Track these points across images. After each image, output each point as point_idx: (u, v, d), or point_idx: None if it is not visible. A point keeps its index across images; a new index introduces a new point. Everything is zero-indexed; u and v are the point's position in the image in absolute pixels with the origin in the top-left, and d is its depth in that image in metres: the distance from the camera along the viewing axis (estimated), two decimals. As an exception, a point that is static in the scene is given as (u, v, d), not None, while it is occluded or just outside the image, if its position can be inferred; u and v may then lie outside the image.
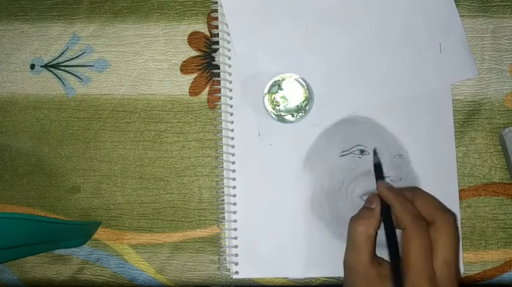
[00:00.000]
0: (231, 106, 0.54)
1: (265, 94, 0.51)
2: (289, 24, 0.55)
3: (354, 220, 0.45)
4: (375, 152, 0.51)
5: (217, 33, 0.55)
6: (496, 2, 0.54)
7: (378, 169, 0.49)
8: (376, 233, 0.45)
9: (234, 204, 0.53)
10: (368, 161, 0.52)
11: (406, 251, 0.42)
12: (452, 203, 0.52)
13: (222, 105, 0.54)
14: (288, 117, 0.51)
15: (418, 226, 0.42)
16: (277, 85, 0.51)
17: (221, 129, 0.54)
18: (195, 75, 0.56)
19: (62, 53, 0.57)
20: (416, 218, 0.43)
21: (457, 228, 0.43)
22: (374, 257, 0.44)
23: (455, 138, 0.53)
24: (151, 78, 0.56)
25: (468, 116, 0.53)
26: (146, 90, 0.56)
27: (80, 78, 0.56)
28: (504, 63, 0.54)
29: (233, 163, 0.53)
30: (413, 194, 0.46)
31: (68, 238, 0.53)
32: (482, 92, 0.54)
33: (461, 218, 0.52)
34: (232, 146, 0.54)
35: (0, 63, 0.57)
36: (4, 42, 0.57)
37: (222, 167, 0.54)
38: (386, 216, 0.45)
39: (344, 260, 0.46)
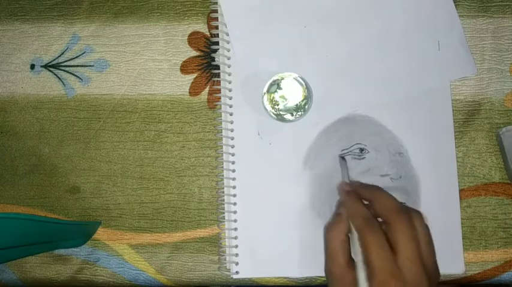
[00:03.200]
0: (231, 106, 0.54)
1: (264, 93, 0.51)
2: (287, 24, 0.55)
3: (326, 227, 0.46)
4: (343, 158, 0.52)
5: (217, 34, 0.55)
6: (496, 2, 0.54)
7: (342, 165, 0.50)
8: (348, 237, 0.45)
9: (234, 204, 0.53)
10: (368, 160, 0.52)
11: (365, 252, 0.42)
12: (452, 203, 0.52)
13: (222, 105, 0.54)
14: (287, 116, 0.51)
15: (369, 227, 0.43)
16: (276, 84, 0.51)
17: (221, 130, 0.54)
18: (195, 75, 0.56)
19: (62, 53, 0.57)
20: (366, 220, 0.44)
21: (414, 226, 0.43)
22: (349, 261, 0.44)
23: (455, 138, 0.53)
24: (151, 78, 0.56)
25: (468, 116, 0.53)
26: (146, 90, 0.56)
27: (80, 78, 0.56)
28: (504, 63, 0.54)
29: (233, 163, 0.53)
30: (372, 194, 0.47)
31: (68, 238, 0.53)
32: (482, 92, 0.54)
33: (461, 218, 0.52)
34: (232, 146, 0.54)
35: (0, 63, 0.57)
36: (4, 42, 0.57)
37: (222, 167, 0.54)
38: None
39: (324, 269, 0.46)
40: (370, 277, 0.42)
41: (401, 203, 0.46)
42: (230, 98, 0.54)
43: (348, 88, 0.54)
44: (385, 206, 0.45)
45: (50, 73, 0.57)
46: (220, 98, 0.54)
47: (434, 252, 0.45)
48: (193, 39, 0.56)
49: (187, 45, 0.56)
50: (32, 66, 0.57)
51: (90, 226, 0.54)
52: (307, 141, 0.53)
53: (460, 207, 0.52)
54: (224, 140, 0.54)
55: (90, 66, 0.56)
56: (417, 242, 0.43)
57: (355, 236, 0.44)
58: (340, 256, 0.44)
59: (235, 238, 0.53)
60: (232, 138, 0.54)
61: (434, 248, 0.45)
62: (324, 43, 0.54)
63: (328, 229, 0.46)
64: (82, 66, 0.57)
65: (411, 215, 0.44)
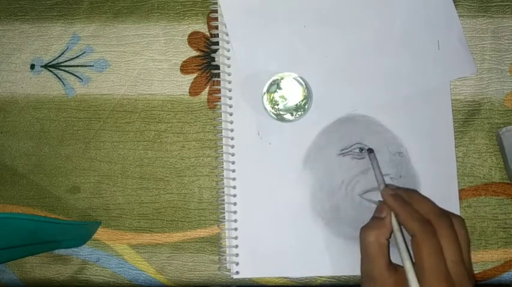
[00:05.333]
0: (231, 106, 0.54)
1: (264, 93, 0.51)
2: (287, 24, 0.55)
3: (364, 230, 0.46)
4: (370, 151, 0.52)
5: (217, 34, 0.55)
6: (496, 2, 0.54)
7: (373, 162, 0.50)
8: (388, 242, 0.45)
9: (234, 204, 0.53)
10: (368, 160, 0.52)
11: (419, 257, 0.43)
12: (452, 203, 0.52)
13: (222, 105, 0.54)
14: (287, 116, 0.51)
15: (426, 232, 0.43)
16: (276, 84, 0.51)
17: (221, 130, 0.54)
18: (195, 75, 0.56)
19: (62, 53, 0.57)
20: (423, 224, 0.44)
21: (454, 229, 0.44)
22: (390, 265, 0.45)
23: (455, 138, 0.53)
24: (151, 78, 0.56)
25: (468, 116, 0.53)
26: (146, 90, 0.56)
27: (80, 78, 0.56)
28: (504, 63, 0.54)
29: (233, 163, 0.53)
30: (410, 197, 0.47)
31: (68, 238, 0.53)
32: (482, 92, 0.54)
33: (461, 218, 0.52)
34: (232, 146, 0.54)
35: (0, 63, 0.57)
36: (4, 42, 0.57)
37: (222, 167, 0.54)
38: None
39: (361, 270, 0.46)
40: (421, 280, 0.42)
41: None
42: (230, 98, 0.54)
43: (348, 88, 0.54)
44: (426, 209, 0.45)
45: (50, 73, 0.57)
46: (220, 98, 0.54)
47: (470, 255, 0.45)
48: (193, 39, 0.56)
49: (187, 45, 0.56)
50: (32, 66, 0.57)
51: (90, 226, 0.54)
52: (307, 141, 0.53)
53: (460, 207, 0.52)
54: (224, 140, 0.54)
55: (90, 66, 0.56)
56: (459, 245, 0.44)
57: (400, 239, 0.44)
58: (381, 260, 0.44)
59: (236, 238, 0.53)
60: (232, 139, 0.54)
61: (470, 251, 0.45)
62: (324, 43, 0.54)
63: (368, 233, 0.46)
64: (82, 66, 0.57)
65: (451, 219, 0.45)
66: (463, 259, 0.43)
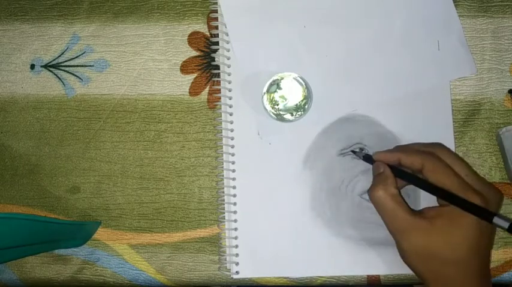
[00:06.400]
0: (231, 106, 0.54)
1: (264, 93, 0.51)
2: (287, 24, 0.55)
3: (371, 190, 0.46)
4: (362, 152, 0.52)
5: (217, 34, 0.55)
6: (496, 2, 0.54)
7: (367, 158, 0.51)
8: (399, 191, 0.45)
9: (234, 204, 0.53)
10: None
11: (440, 182, 0.44)
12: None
13: (222, 105, 0.54)
14: (287, 116, 0.51)
15: (432, 158, 0.45)
16: (276, 84, 0.51)
17: (221, 130, 0.54)
18: (195, 75, 0.56)
19: (62, 53, 0.57)
20: (425, 154, 0.45)
21: (448, 149, 0.47)
22: (411, 211, 0.45)
23: (455, 138, 0.53)
24: (151, 78, 0.56)
25: (468, 116, 0.53)
26: (146, 90, 0.56)
27: (80, 78, 0.56)
28: (504, 63, 0.54)
29: (233, 163, 0.53)
30: (396, 148, 0.49)
31: (68, 238, 0.53)
32: (482, 92, 0.54)
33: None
34: (232, 146, 0.54)
35: (0, 63, 0.57)
36: (4, 42, 0.57)
37: (222, 167, 0.54)
38: (399, 171, 0.47)
39: (389, 231, 0.46)
40: None
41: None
42: (230, 98, 0.54)
43: (348, 88, 0.54)
44: (416, 147, 0.48)
45: (50, 73, 0.57)
46: (220, 98, 0.54)
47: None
48: (193, 39, 0.56)
49: (187, 45, 0.56)
50: (32, 66, 0.57)
51: (90, 226, 0.54)
52: (307, 141, 0.53)
53: (460, 207, 0.52)
54: (224, 140, 0.54)
55: (90, 66, 0.56)
56: (462, 159, 0.47)
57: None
58: (401, 208, 0.44)
59: (236, 238, 0.53)
60: (232, 139, 0.54)
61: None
62: (324, 43, 0.54)
63: (375, 190, 0.46)
64: (82, 66, 0.57)
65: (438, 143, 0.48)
66: (473, 171, 0.45)
